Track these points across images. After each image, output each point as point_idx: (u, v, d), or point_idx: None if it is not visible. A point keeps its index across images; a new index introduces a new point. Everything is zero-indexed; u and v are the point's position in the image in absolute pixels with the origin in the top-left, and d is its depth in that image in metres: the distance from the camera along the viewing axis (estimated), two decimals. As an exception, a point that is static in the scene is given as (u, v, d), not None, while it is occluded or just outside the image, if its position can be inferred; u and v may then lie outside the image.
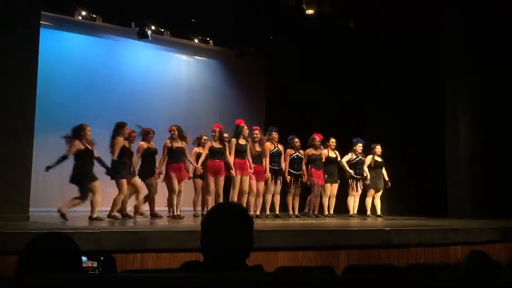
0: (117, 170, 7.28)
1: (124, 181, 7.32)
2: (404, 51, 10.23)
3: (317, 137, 9.04)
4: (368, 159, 9.37)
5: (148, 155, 7.76)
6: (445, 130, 9.73)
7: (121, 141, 7.35)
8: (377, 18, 10.13)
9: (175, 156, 7.70)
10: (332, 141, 9.19)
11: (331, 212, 9.17)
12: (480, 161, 9.33)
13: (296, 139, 8.84)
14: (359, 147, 9.32)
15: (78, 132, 7.02)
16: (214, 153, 7.95)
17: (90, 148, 7.06)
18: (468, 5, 9.37)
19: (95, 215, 6.96)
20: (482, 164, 9.30)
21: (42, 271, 1.72)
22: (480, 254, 2.85)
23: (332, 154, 9.18)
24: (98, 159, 7.22)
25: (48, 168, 6.98)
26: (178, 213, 7.69)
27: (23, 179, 6.40)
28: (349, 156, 9.28)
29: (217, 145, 7.97)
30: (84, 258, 2.97)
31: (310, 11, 9.57)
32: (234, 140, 8.16)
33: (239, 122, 8.33)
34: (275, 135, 8.62)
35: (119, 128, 7.43)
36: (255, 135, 8.38)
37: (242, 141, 8.18)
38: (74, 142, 6.96)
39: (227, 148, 8.06)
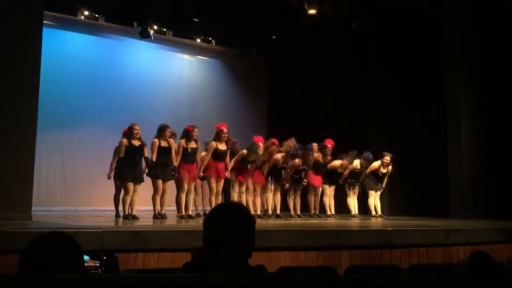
0: (153, 171, 7.43)
1: (159, 181, 7.42)
2: (405, 51, 10.22)
3: (330, 145, 8.98)
4: (374, 165, 9.32)
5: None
6: (447, 130, 9.72)
7: (156, 142, 7.46)
8: (378, 18, 10.11)
9: (189, 157, 7.70)
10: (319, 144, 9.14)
11: (332, 212, 9.21)
12: (482, 161, 9.32)
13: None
14: (364, 162, 9.23)
15: (128, 131, 7.36)
16: (219, 155, 7.93)
17: (134, 146, 7.26)
18: (468, 6, 9.38)
19: (125, 213, 7.23)
20: (484, 164, 9.28)
21: (43, 271, 1.72)
22: (482, 254, 2.85)
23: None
24: (145, 159, 7.43)
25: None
26: (189, 213, 7.76)
27: (26, 179, 6.40)
28: (356, 164, 9.25)
29: (222, 147, 7.94)
30: (86, 258, 2.97)
31: (312, 11, 9.57)
32: (245, 152, 8.14)
33: (257, 139, 8.21)
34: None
35: (159, 130, 7.57)
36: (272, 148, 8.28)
37: (251, 157, 8.16)
38: (120, 140, 7.33)
39: (229, 151, 8.07)
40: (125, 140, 7.28)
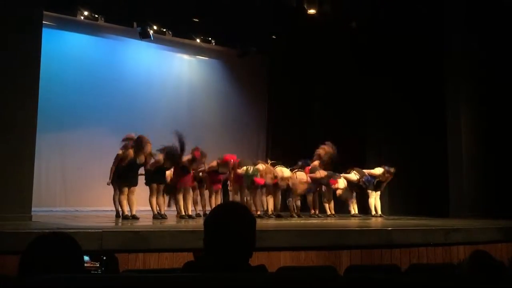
0: (149, 177, 7.53)
1: (154, 185, 7.51)
2: (404, 52, 10.22)
3: (333, 185, 8.93)
4: (377, 171, 9.33)
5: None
6: (447, 130, 9.72)
7: (160, 162, 7.50)
8: (378, 18, 10.11)
9: (188, 171, 7.83)
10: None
11: (332, 212, 9.21)
12: (482, 161, 9.32)
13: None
14: (361, 180, 9.25)
15: (137, 143, 7.35)
16: (218, 173, 8.22)
17: (137, 163, 7.34)
18: (468, 6, 9.38)
19: (124, 213, 7.28)
20: (484, 164, 9.28)
21: (44, 271, 1.72)
22: (482, 254, 2.84)
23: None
24: (146, 170, 7.50)
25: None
26: (189, 213, 7.80)
27: (26, 179, 6.40)
28: (352, 178, 9.25)
29: (224, 170, 8.18)
30: (86, 258, 2.97)
31: (311, 11, 9.57)
32: (244, 170, 8.27)
33: (259, 181, 8.28)
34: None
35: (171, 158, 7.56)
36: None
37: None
38: (128, 151, 7.34)
39: (231, 171, 8.25)
40: (131, 152, 7.24)
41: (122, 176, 7.31)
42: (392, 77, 10.54)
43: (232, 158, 8.13)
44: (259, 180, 8.25)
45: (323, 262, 5.30)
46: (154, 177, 7.51)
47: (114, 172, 7.31)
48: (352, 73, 11.02)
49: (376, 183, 9.36)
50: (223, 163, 8.12)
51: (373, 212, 9.40)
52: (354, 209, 9.36)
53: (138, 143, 7.24)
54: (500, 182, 9.15)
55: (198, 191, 8.55)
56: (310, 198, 9.06)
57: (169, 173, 7.81)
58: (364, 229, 6.47)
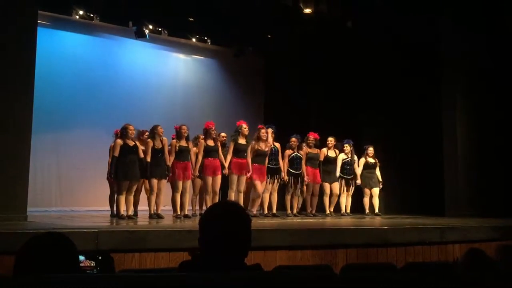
0: (148, 171, 7.44)
1: (155, 181, 7.42)
2: (401, 50, 10.22)
3: (311, 136, 9.04)
4: (361, 162, 9.40)
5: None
6: (442, 129, 9.74)
7: (150, 143, 7.45)
8: (374, 17, 10.10)
9: (182, 155, 7.71)
10: (330, 139, 9.20)
11: (331, 210, 9.19)
12: (477, 160, 9.34)
13: (293, 139, 8.85)
14: (346, 148, 9.30)
15: (121, 131, 7.34)
16: (209, 152, 7.94)
17: (129, 146, 7.24)
18: (467, 6, 9.39)
19: (121, 213, 7.16)
20: (480, 162, 9.30)
21: (39, 271, 1.72)
22: (477, 252, 2.86)
23: (332, 153, 9.20)
24: (140, 160, 7.34)
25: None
26: (185, 212, 7.74)
27: (21, 179, 6.39)
28: (342, 157, 9.28)
29: (211, 143, 7.96)
30: (81, 258, 2.96)
31: (307, 10, 9.57)
32: (232, 141, 8.16)
33: (239, 123, 8.29)
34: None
35: (150, 131, 7.64)
36: (263, 134, 8.30)
37: (242, 141, 8.16)
38: (115, 140, 7.30)
39: (220, 146, 8.08)
40: (119, 140, 7.24)
41: (121, 171, 7.18)
42: (390, 77, 10.54)
43: (212, 124, 8.04)
44: (240, 122, 8.21)
45: (319, 261, 5.32)
46: (154, 171, 7.40)
47: (111, 167, 7.27)
48: (350, 72, 11.01)
49: (369, 166, 9.40)
50: (206, 130, 7.98)
51: (367, 211, 9.42)
52: (346, 207, 9.35)
53: (123, 130, 7.31)
54: (495, 181, 9.17)
55: (197, 190, 8.48)
56: (308, 197, 9.03)
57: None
58: (360, 228, 6.48)
